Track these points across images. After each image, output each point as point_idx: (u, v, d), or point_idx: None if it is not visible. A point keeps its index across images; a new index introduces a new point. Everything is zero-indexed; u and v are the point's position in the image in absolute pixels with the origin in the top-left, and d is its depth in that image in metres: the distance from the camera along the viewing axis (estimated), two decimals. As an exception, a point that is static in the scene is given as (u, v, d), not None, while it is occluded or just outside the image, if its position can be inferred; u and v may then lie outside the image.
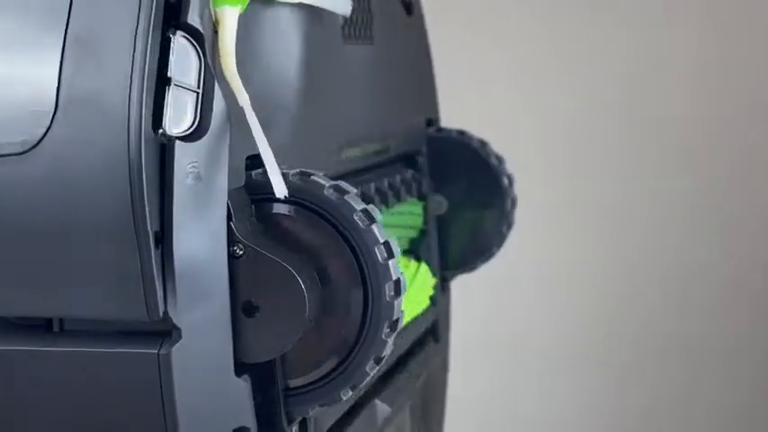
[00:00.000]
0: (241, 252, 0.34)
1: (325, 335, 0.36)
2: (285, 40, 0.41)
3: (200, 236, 0.33)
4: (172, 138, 0.32)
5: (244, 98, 0.34)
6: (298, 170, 0.36)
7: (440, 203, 0.62)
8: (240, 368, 0.35)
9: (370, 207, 0.36)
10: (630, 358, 0.92)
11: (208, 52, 0.34)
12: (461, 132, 0.62)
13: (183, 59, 0.34)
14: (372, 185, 0.50)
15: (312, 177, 0.36)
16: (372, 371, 0.37)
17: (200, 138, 0.33)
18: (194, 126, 0.34)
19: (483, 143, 0.62)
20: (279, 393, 0.36)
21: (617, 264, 0.92)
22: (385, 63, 0.52)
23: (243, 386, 0.35)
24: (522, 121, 0.91)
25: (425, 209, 0.60)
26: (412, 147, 0.59)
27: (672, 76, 0.91)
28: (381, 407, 0.48)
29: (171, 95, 0.33)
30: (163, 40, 0.33)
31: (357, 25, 0.47)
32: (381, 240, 0.36)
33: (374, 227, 0.36)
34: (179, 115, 0.33)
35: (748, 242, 0.91)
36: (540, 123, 0.92)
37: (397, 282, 0.36)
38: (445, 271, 0.62)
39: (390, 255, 0.36)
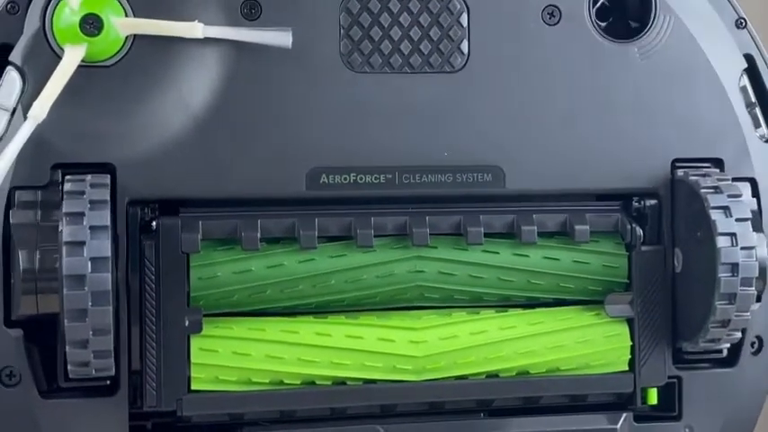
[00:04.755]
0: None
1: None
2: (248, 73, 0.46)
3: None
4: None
5: (34, 117, 0.44)
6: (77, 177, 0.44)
7: (676, 259, 0.52)
8: (13, 322, 0.45)
9: (95, 214, 0.42)
10: None
11: (30, 81, 0.45)
12: (706, 175, 0.50)
13: (9, 86, 0.45)
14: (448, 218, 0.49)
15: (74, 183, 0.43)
16: (90, 348, 0.42)
17: (-6, 146, 0.45)
18: (2, 138, 0.45)
19: (716, 190, 0.49)
20: (58, 350, 0.45)
21: None
22: (492, 91, 0.49)
23: (11, 336, 0.45)
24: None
25: (630, 260, 0.51)
26: (620, 186, 0.51)
27: None
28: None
29: (-11, 113, 0.46)
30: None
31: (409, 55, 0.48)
32: (70, 240, 0.42)
33: (68, 228, 0.42)
34: (-9, 128, 0.46)
35: None
36: None
37: (81, 277, 0.41)
38: (678, 340, 0.52)
39: (76, 254, 0.41)
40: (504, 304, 0.52)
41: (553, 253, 0.51)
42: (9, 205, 0.45)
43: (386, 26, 0.49)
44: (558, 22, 0.51)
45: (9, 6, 0.46)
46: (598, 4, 0.52)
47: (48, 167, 0.45)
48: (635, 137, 0.52)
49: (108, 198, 0.43)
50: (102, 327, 0.42)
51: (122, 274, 0.46)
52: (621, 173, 0.52)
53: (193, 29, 0.46)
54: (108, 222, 0.43)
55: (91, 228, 0.42)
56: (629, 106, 0.52)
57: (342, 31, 0.48)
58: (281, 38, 0.46)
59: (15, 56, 0.45)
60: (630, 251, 0.52)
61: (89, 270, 0.42)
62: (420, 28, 0.49)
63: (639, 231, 0.51)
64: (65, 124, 0.45)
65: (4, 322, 0.45)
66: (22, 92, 0.45)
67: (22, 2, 0.46)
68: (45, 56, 0.45)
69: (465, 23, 0.49)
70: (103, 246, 0.42)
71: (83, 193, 0.43)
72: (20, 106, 0.45)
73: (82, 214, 0.42)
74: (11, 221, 0.45)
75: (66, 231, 0.42)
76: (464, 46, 0.50)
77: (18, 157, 0.45)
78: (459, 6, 0.50)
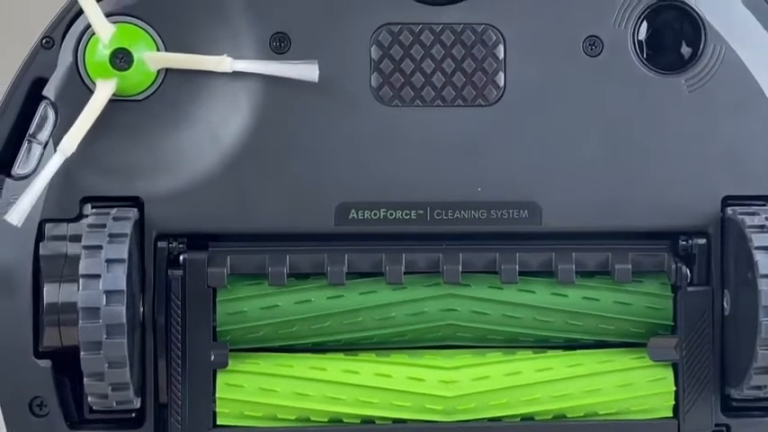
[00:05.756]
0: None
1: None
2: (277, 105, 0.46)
3: (12, 249, 0.45)
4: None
5: (62, 151, 0.44)
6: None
7: (726, 301, 0.50)
8: (42, 353, 0.45)
9: (113, 247, 0.42)
10: None
11: (62, 115, 0.45)
12: (754, 214, 0.48)
13: (43, 120, 0.46)
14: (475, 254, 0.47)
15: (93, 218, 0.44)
16: (107, 378, 0.42)
17: (25, 178, 0.45)
18: (35, 170, 0.45)
19: (763, 229, 0.47)
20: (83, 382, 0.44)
21: None
22: (521, 126, 0.47)
23: (40, 366, 0.45)
24: None
25: (676, 301, 0.49)
26: (666, 224, 0.49)
27: None
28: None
29: (24, 146, 0.46)
30: (32, 104, 0.46)
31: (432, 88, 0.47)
32: (86, 272, 0.42)
33: (85, 261, 0.42)
34: (27, 161, 0.46)
35: None
36: None
37: (95, 310, 0.41)
38: (726, 387, 0.49)
39: (91, 287, 0.41)
40: (542, 345, 0.50)
41: (593, 293, 0.49)
42: (39, 237, 0.46)
43: (418, 59, 0.48)
44: (600, 53, 0.49)
45: (44, 41, 0.46)
46: (645, 35, 0.51)
47: (77, 200, 0.46)
48: (683, 173, 0.50)
49: (128, 232, 0.44)
50: (117, 359, 0.42)
51: (149, 308, 0.47)
52: (668, 210, 0.49)
53: (222, 63, 0.46)
54: (125, 256, 0.43)
55: (107, 261, 0.42)
56: (677, 140, 0.49)
57: (372, 64, 0.48)
58: (308, 71, 0.46)
59: (49, 90, 0.46)
60: (676, 292, 0.49)
61: (104, 303, 0.42)
62: (453, 60, 0.48)
63: (686, 271, 0.49)
64: (95, 158, 0.46)
65: (33, 353, 0.46)
66: (55, 125, 0.46)
67: (57, 37, 0.47)
68: (77, 90, 0.46)
69: (501, 55, 0.48)
70: (119, 279, 0.42)
71: (104, 226, 0.43)
72: (51, 140, 0.46)
73: (100, 247, 0.43)
74: (39, 253, 0.46)
75: (83, 264, 0.42)
76: (499, 79, 0.48)
77: (48, 190, 0.45)
78: (494, 38, 0.48)
